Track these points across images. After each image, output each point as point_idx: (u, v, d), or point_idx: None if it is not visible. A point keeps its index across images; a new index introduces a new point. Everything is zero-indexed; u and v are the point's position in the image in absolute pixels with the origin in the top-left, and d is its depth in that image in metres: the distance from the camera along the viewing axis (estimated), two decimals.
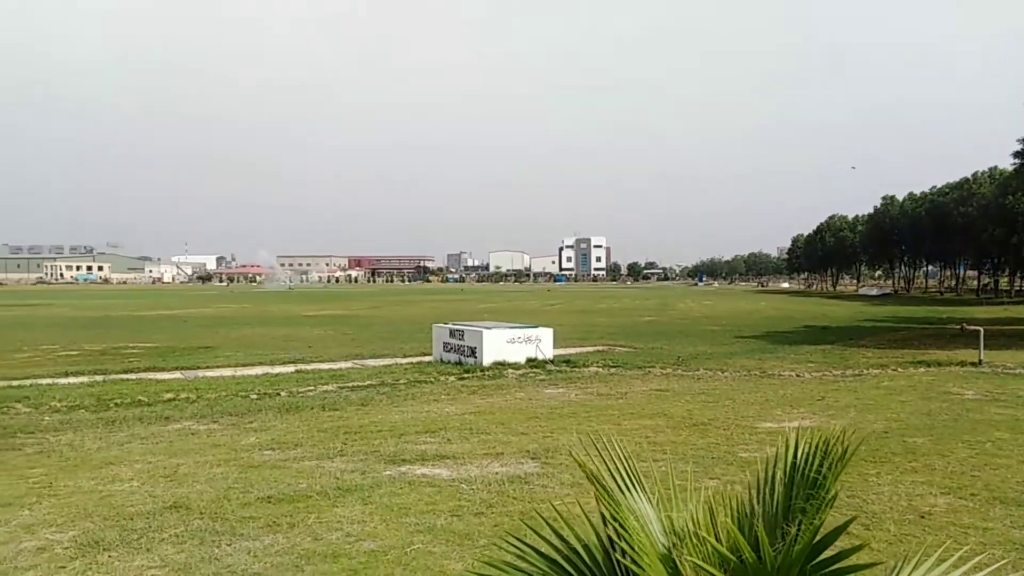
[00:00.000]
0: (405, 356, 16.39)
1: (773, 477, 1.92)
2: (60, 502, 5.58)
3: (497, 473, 6.31)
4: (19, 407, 9.80)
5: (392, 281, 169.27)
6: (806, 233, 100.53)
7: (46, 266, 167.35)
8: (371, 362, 15.36)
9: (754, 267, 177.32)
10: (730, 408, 9.73)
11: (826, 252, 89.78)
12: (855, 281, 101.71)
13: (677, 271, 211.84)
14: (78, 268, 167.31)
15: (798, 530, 1.49)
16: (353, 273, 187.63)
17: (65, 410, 9.71)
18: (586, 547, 2.03)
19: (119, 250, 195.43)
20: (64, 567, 4.27)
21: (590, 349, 17.94)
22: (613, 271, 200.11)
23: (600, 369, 14.10)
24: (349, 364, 15.03)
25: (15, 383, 11.81)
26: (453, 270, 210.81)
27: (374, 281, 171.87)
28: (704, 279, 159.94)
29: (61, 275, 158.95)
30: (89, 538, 4.74)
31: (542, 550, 2.04)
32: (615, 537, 1.68)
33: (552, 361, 14.73)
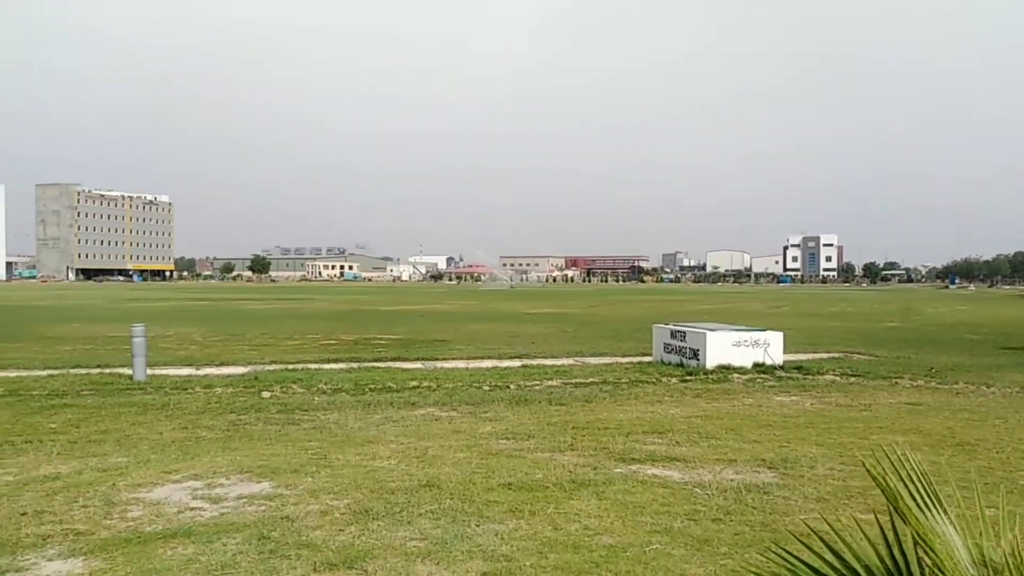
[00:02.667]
0: (624, 355, 16.42)
1: None
2: (334, 473, 6.37)
3: (732, 480, 6.13)
4: (295, 387, 11.34)
5: (606, 281, 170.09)
6: None
7: (308, 265, 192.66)
8: (591, 360, 15.60)
9: (1022, 268, 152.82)
10: (1002, 428, 8.53)
11: None
12: None
13: (923, 272, 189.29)
14: (332, 267, 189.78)
15: None
16: (569, 273, 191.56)
17: (330, 392, 11.05)
18: (867, 568, 1.93)
19: (365, 251, 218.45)
20: (343, 530, 4.88)
21: (824, 356, 16.67)
22: (845, 272, 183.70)
23: (837, 378, 13.06)
24: (571, 361, 15.40)
25: (290, 366, 13.68)
26: (668, 270, 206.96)
27: (589, 281, 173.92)
28: (957, 281, 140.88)
29: (320, 273, 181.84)
30: (360, 507, 5.36)
31: (814, 565, 1.97)
32: (927, 562, 1.57)
33: (782, 367, 13.91)
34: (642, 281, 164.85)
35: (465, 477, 6.15)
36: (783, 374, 13.27)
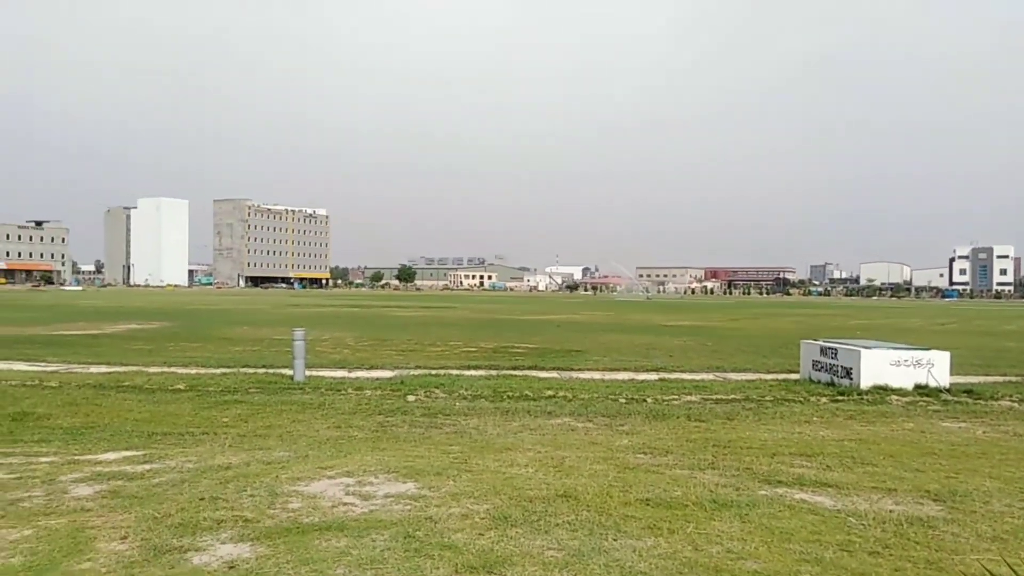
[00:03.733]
0: (769, 372, 15.68)
1: None
2: (474, 477, 6.56)
3: (891, 511, 5.69)
4: (438, 392, 11.79)
5: (749, 293, 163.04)
6: None
7: (450, 275, 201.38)
8: (733, 375, 15.03)
9: None
10: None
11: None
12: None
13: None
14: (472, 276, 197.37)
15: None
16: (709, 284, 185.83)
17: (470, 398, 11.39)
18: None
19: (503, 261, 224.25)
20: (482, 535, 5.01)
21: (998, 379, 15.08)
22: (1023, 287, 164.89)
23: (1015, 404, 11.79)
24: (711, 376, 14.92)
25: (433, 372, 14.24)
26: (817, 282, 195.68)
27: (730, 293, 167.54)
28: None
29: (461, 282, 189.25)
30: (499, 512, 5.48)
31: None
32: None
33: (948, 390, 12.74)
34: (788, 294, 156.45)
35: (602, 490, 6.13)
36: (950, 398, 12.16)
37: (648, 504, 5.76)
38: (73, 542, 4.78)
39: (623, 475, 6.70)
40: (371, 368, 15.14)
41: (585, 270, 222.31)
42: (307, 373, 13.08)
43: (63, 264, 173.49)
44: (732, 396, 12.05)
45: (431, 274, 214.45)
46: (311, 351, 14.80)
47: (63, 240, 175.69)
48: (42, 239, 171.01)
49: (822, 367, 14.05)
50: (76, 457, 7.26)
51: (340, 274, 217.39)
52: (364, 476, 6.56)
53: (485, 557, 4.57)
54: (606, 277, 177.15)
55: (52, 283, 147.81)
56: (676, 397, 11.88)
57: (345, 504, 5.72)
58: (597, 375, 14.62)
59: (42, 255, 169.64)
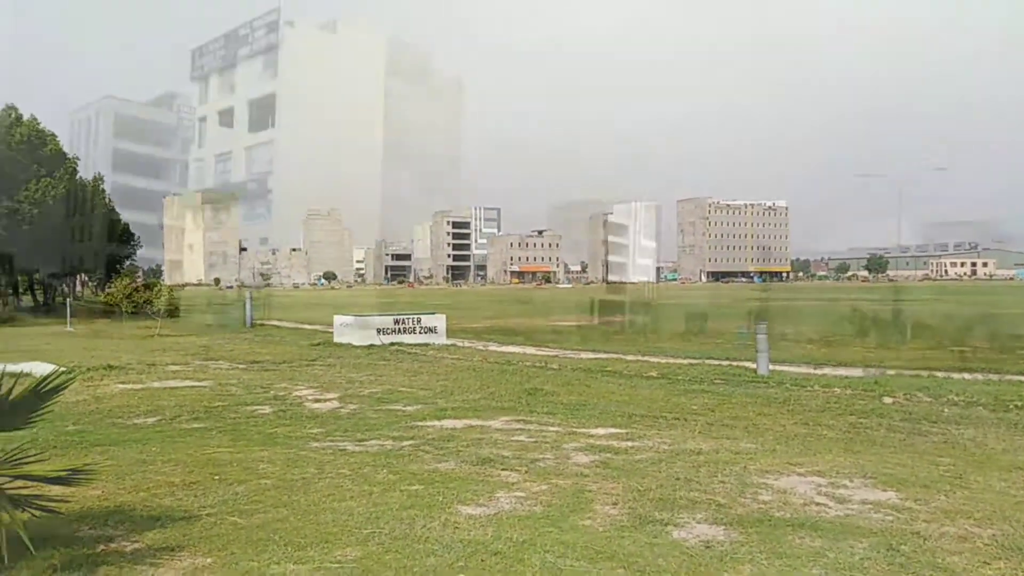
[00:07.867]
0: None
1: None
2: (972, 496, 5.70)
3: None
4: (920, 396, 10.48)
5: None
6: None
7: (931, 263, 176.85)
8: None
9: None
10: None
11: None
12: None
13: None
14: (961, 264, 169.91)
15: None
16: None
17: (963, 405, 9.85)
18: None
19: (1003, 245, 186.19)
20: (988, 563, 4.35)
21: None
22: None
23: None
24: None
25: (913, 373, 12.71)
26: None
27: None
28: None
29: (945, 271, 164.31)
30: (1011, 542, 4.67)
31: None
32: None
33: None
34: None
35: None
36: None
37: None
38: (576, 501, 5.67)
39: None
40: (838, 365, 14.21)
41: None
42: (770, 367, 12.95)
43: (557, 265, 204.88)
44: None
45: (907, 263, 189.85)
46: (773, 346, 14.57)
47: (557, 245, 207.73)
48: (542, 245, 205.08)
49: None
50: (574, 429, 8.55)
51: (801, 267, 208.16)
52: (836, 478, 6.27)
53: None
54: None
55: (549, 282, 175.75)
56: None
57: (817, 504, 5.57)
58: None
59: (542, 259, 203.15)
